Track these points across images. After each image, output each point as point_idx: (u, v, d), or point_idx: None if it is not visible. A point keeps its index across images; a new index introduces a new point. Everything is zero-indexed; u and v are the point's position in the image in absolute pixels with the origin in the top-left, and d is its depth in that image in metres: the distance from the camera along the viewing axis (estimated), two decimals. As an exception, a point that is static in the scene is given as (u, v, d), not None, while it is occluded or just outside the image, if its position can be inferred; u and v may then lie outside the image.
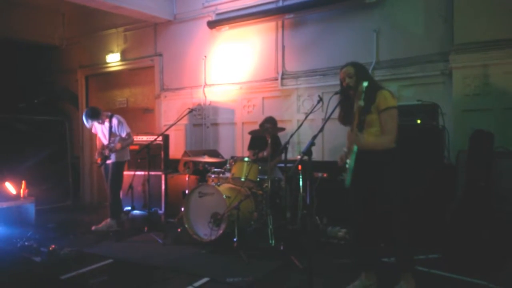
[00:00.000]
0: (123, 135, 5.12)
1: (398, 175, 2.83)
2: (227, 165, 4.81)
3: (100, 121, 5.14)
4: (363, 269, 3.05)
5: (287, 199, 4.41)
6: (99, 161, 5.16)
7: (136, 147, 5.98)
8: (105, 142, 5.16)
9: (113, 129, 5.12)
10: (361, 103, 2.71)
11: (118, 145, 5.06)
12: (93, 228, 5.06)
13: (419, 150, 3.97)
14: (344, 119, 3.03)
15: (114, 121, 5.12)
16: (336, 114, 2.99)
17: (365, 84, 2.72)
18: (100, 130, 5.25)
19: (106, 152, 5.08)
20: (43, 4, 7.82)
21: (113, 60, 7.68)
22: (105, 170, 5.25)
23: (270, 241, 4.09)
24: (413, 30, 4.90)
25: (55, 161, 7.21)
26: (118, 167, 5.22)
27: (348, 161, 2.86)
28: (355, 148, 2.78)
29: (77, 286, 3.37)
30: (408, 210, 2.98)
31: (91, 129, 5.32)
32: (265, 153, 4.85)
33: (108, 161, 5.16)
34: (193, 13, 6.70)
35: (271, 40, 5.99)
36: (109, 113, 5.23)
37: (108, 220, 5.13)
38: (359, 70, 2.92)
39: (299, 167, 4.29)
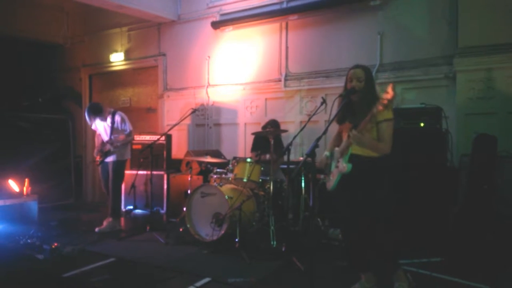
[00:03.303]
0: (126, 131, 5.10)
1: (386, 182, 2.83)
2: (230, 165, 4.81)
3: (103, 117, 5.07)
4: (359, 272, 3.04)
5: (289, 200, 4.41)
6: (98, 159, 5.07)
7: (139, 147, 5.99)
8: (106, 138, 5.09)
9: (115, 125, 5.05)
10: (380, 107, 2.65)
11: (122, 137, 5.04)
12: (96, 229, 4.97)
13: (423, 153, 3.97)
14: (339, 119, 3.01)
15: (117, 118, 5.08)
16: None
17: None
18: (102, 127, 5.18)
19: (106, 148, 5.00)
20: (47, 3, 7.85)
21: (117, 60, 7.70)
22: (103, 168, 5.16)
23: (272, 242, 4.09)
24: (417, 33, 4.90)
25: (58, 159, 7.22)
26: (119, 166, 5.15)
27: (335, 164, 2.86)
28: (349, 151, 2.78)
29: (79, 284, 3.37)
30: (393, 216, 2.98)
31: (92, 125, 5.26)
32: (267, 156, 4.85)
33: (109, 160, 5.08)
34: (197, 13, 6.72)
35: (274, 41, 6.00)
36: (112, 110, 5.19)
37: (110, 219, 5.08)
38: (369, 77, 2.89)
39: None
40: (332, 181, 2.91)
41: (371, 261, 2.96)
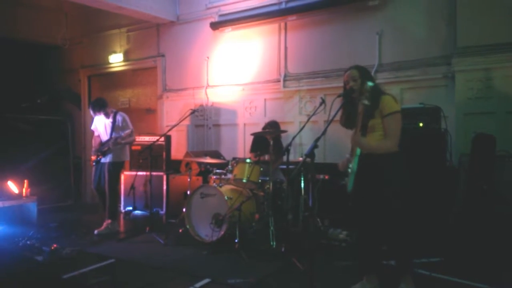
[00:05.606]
0: (127, 131, 5.04)
1: (399, 179, 2.83)
2: (229, 166, 4.81)
3: (105, 114, 5.07)
4: (365, 272, 3.05)
5: (288, 200, 4.41)
6: (94, 158, 5.05)
7: (138, 148, 6.00)
8: (106, 138, 5.07)
9: (117, 123, 5.05)
10: (366, 102, 2.72)
11: (126, 133, 4.96)
12: (95, 232, 4.95)
13: (422, 153, 3.96)
14: (346, 122, 3.05)
15: (119, 118, 5.09)
16: (338, 116, 2.99)
17: (370, 84, 2.75)
18: (103, 126, 5.17)
19: (105, 147, 4.97)
20: (46, 4, 7.85)
21: (116, 61, 7.70)
22: (97, 169, 5.10)
23: (272, 243, 4.09)
24: (416, 33, 4.90)
25: (57, 161, 7.23)
26: (115, 167, 5.07)
27: (350, 165, 2.87)
28: (358, 151, 2.80)
29: (78, 286, 3.37)
30: (408, 213, 2.97)
31: (93, 123, 5.25)
32: (266, 157, 4.84)
33: (105, 160, 5.02)
34: (196, 14, 6.72)
35: (273, 41, 6.00)
36: (114, 110, 5.22)
37: (109, 222, 5.04)
38: (363, 73, 2.94)
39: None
40: (348, 182, 2.93)
41: (380, 263, 2.97)
